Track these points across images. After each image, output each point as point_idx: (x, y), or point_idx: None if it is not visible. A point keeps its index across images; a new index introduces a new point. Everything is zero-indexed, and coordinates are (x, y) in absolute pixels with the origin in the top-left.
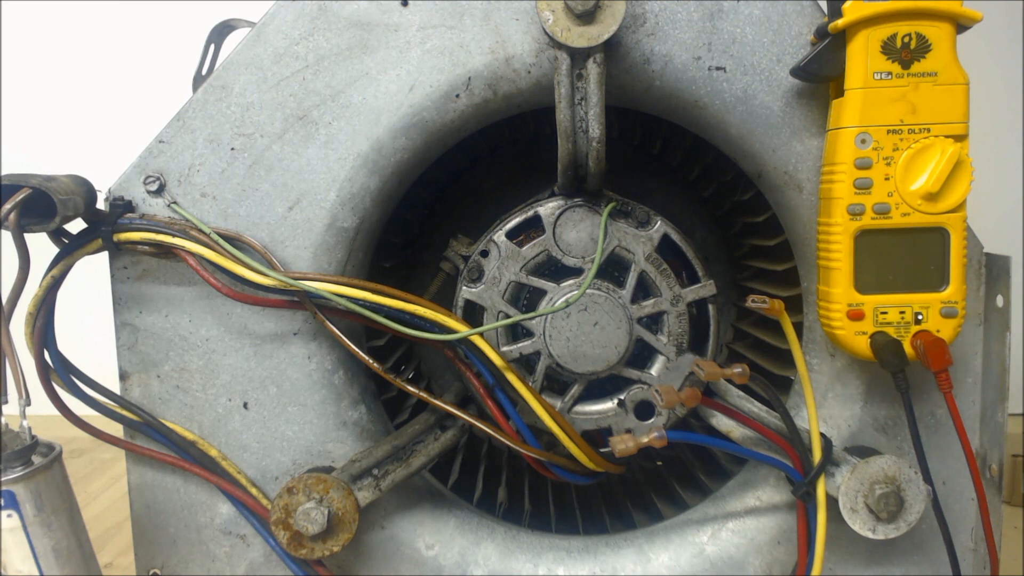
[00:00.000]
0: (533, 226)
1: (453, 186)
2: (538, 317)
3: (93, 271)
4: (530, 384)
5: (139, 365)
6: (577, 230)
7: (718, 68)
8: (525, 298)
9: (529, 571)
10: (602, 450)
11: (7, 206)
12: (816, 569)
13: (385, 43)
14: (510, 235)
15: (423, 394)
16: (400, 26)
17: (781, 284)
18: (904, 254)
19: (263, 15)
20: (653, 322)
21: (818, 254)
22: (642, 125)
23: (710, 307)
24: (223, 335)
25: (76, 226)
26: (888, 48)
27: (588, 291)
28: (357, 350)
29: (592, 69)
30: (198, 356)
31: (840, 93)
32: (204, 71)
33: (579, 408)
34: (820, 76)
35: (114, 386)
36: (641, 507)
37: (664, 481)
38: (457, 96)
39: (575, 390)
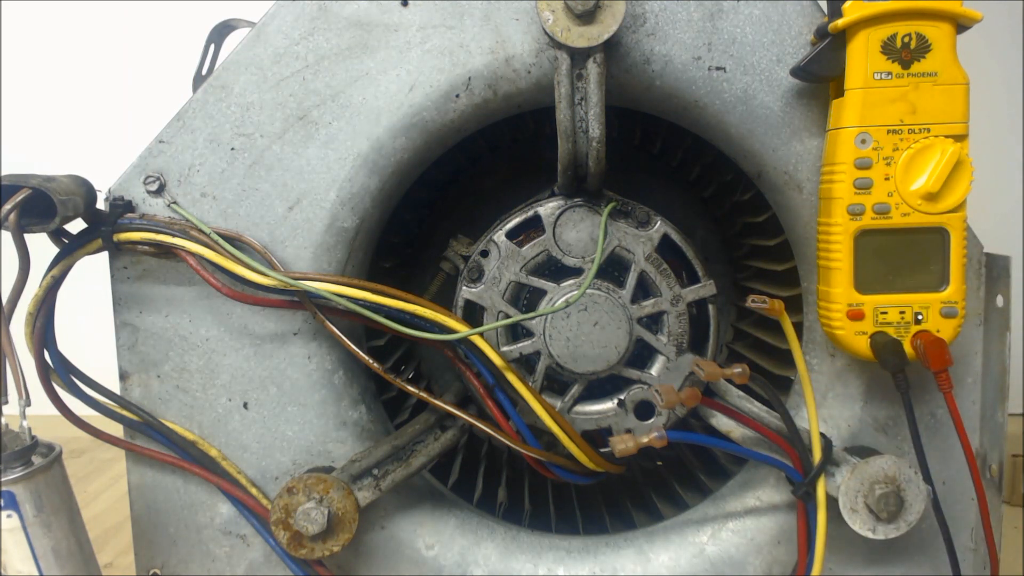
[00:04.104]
0: (533, 226)
1: (453, 186)
2: (538, 317)
3: (93, 271)
4: (530, 384)
5: (139, 365)
6: (577, 230)
7: (718, 68)
8: (525, 298)
9: (529, 571)
10: (602, 450)
11: (7, 206)
12: (816, 569)
13: (385, 43)
14: (510, 235)
15: (423, 394)
16: (400, 26)
17: (781, 284)
18: (904, 254)
19: (263, 15)
20: (653, 322)
21: (818, 254)
22: (642, 125)
23: (710, 307)
24: (223, 335)
25: (76, 226)
26: (888, 48)
27: (588, 291)
28: (357, 350)
29: (592, 69)
30: (198, 356)
31: (840, 93)
32: (204, 71)
33: (579, 408)
34: (820, 76)
35: (114, 386)
36: (641, 507)
37: (664, 481)
38: (457, 96)
39: (575, 390)
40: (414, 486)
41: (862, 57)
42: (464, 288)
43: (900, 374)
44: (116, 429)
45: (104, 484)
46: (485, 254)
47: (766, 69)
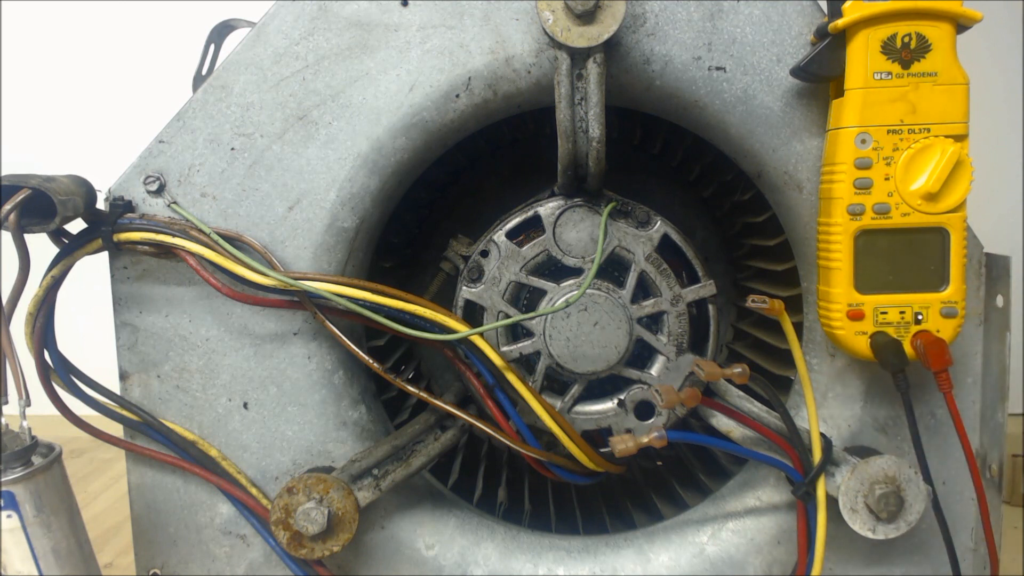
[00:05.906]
0: (533, 226)
1: (453, 186)
2: (538, 317)
3: (93, 271)
4: (530, 384)
5: (139, 365)
6: (577, 230)
7: (718, 68)
8: (525, 298)
9: (529, 571)
10: (602, 450)
11: (7, 207)
12: (816, 569)
13: (385, 43)
14: (510, 235)
15: (423, 394)
16: (400, 26)
17: (781, 284)
18: (904, 254)
19: (263, 15)
20: (653, 322)
21: (818, 254)
22: (642, 125)
23: (710, 307)
24: (223, 335)
25: (76, 226)
26: (888, 48)
27: (588, 291)
28: (357, 350)
29: (592, 69)
30: (198, 356)
31: (840, 93)
32: (204, 71)
33: (579, 408)
34: (820, 76)
35: (114, 386)
36: (641, 507)
37: (664, 481)
38: (457, 96)
39: (575, 390)
40: (414, 486)
41: (862, 57)
42: (464, 288)
43: (900, 374)
44: (116, 429)
45: (104, 484)
46: (485, 254)
47: (766, 69)
